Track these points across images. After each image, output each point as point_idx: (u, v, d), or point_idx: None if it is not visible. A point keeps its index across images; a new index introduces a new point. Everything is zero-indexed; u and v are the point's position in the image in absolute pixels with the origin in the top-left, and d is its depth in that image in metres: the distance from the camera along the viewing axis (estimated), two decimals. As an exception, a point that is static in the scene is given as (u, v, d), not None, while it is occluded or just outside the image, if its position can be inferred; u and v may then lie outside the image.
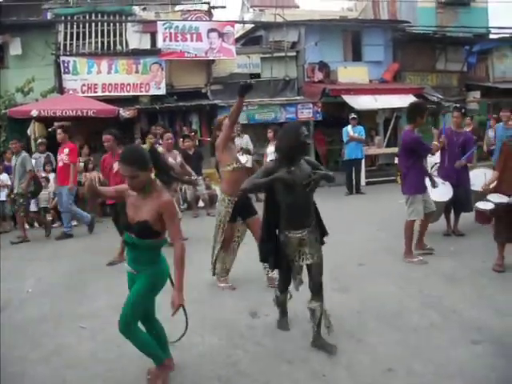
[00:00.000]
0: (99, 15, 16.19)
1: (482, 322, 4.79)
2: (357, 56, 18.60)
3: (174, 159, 8.54)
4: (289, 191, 4.16)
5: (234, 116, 5.58)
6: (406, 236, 6.95)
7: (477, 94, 20.08)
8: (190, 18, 16.40)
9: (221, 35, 16.12)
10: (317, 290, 4.34)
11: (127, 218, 3.65)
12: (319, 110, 16.29)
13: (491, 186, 6.58)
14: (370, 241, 8.12)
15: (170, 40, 15.70)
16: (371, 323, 4.87)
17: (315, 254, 4.32)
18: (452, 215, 8.27)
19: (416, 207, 6.81)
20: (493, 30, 21.23)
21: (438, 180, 7.59)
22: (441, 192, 7.55)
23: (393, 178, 14.45)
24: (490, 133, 12.79)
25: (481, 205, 6.91)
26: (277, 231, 4.44)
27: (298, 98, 17.13)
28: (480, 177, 7.87)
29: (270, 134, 12.07)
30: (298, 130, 4.24)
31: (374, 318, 4.97)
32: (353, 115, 13.66)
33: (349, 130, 13.54)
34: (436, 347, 4.31)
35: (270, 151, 11.58)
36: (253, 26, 20.76)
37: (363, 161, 14.46)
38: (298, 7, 27.62)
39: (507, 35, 20.93)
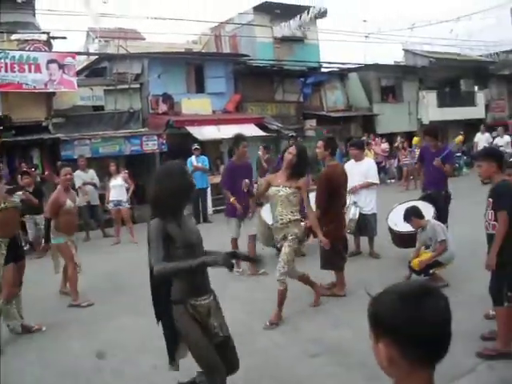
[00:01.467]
0: None
1: (319, 335, 5.16)
2: (200, 88, 19.08)
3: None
4: (184, 243, 3.27)
5: None
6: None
7: (313, 122, 21.55)
8: (27, 48, 15.83)
9: (61, 66, 15.57)
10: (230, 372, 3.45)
11: None
12: (164, 141, 16.40)
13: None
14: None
15: (6, 71, 14.95)
16: None
17: (223, 327, 3.49)
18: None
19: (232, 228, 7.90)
20: (324, 65, 23.21)
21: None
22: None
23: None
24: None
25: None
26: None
27: (142, 130, 17.08)
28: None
29: (112, 168, 12.07)
30: (182, 169, 3.50)
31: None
32: (195, 146, 14.05)
33: (193, 161, 13.85)
34: (281, 366, 4.56)
35: (113, 184, 11.64)
36: (97, 57, 20.59)
37: (209, 190, 14.85)
38: (144, 39, 27.81)
39: (336, 69, 23.04)
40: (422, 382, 1.41)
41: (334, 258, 6.55)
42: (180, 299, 3.28)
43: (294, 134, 11.26)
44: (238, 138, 7.95)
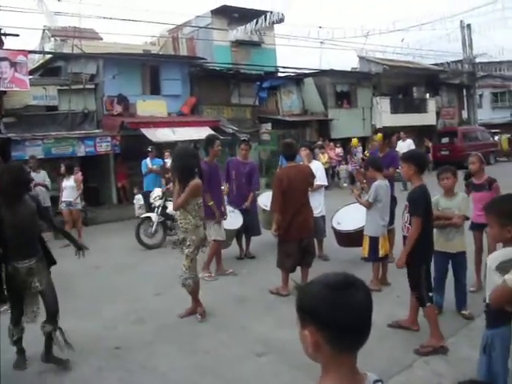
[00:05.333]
0: None
1: (266, 335, 5.26)
2: (156, 89, 18.98)
3: None
4: (12, 224, 4.42)
5: None
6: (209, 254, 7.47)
7: (268, 126, 21.79)
8: (-24, 46, 15.48)
9: (13, 65, 15.20)
10: (51, 316, 4.63)
11: None
12: (118, 142, 16.26)
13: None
14: (168, 269, 8.16)
15: (-47, 68, 14.64)
16: (165, 351, 5.02)
17: (43, 281, 4.60)
18: (244, 240, 8.89)
19: (212, 231, 7.44)
20: (280, 69, 23.44)
21: (229, 208, 8.17)
22: (231, 220, 8.15)
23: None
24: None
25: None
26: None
27: (96, 131, 16.89)
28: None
29: (62, 169, 11.96)
30: (20, 168, 4.70)
31: (167, 346, 5.13)
32: (150, 148, 14.05)
33: (148, 163, 13.85)
34: (225, 365, 4.63)
35: (65, 185, 11.54)
36: (51, 56, 20.26)
37: (163, 192, 14.83)
38: (101, 39, 27.51)
39: (292, 74, 23.37)
40: (346, 366, 1.48)
41: (283, 258, 6.67)
42: (7, 261, 4.53)
43: (246, 138, 11.30)
44: (212, 139, 7.79)
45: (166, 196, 10.44)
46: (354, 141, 12.76)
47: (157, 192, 10.89)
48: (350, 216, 7.83)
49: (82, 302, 6.73)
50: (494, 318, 3.02)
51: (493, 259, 2.97)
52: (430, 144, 25.24)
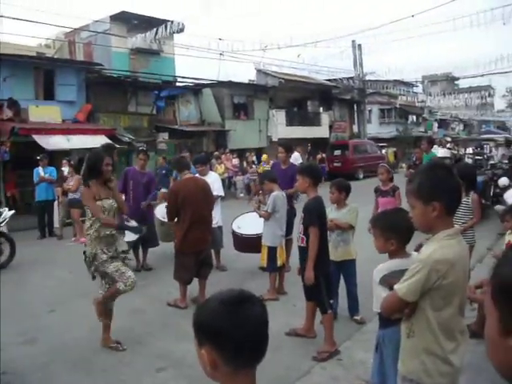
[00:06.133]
0: None
1: (166, 349, 5.22)
2: (50, 95, 18.31)
3: None
4: None
5: None
6: None
7: (166, 136, 21.74)
8: None
9: None
10: None
11: None
12: (7, 149, 15.46)
13: None
14: (62, 284, 8.08)
15: None
16: (60, 372, 4.84)
17: None
18: (140, 251, 8.78)
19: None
20: (179, 79, 23.51)
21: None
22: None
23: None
24: None
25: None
26: None
27: (-16, 136, 15.98)
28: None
29: None
30: None
31: (64, 367, 4.95)
32: (40, 156, 13.54)
33: (40, 171, 13.37)
34: (124, 382, 4.56)
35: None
36: None
37: (55, 202, 14.36)
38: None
39: (190, 84, 23.58)
40: (245, 383, 1.47)
41: (179, 271, 6.69)
42: None
43: (144, 148, 11.32)
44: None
45: None
46: (264, 156, 13.21)
47: None
48: (249, 222, 7.91)
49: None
50: (385, 319, 3.11)
51: (377, 271, 3.06)
52: (324, 155, 26.31)
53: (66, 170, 13.59)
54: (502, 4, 17.69)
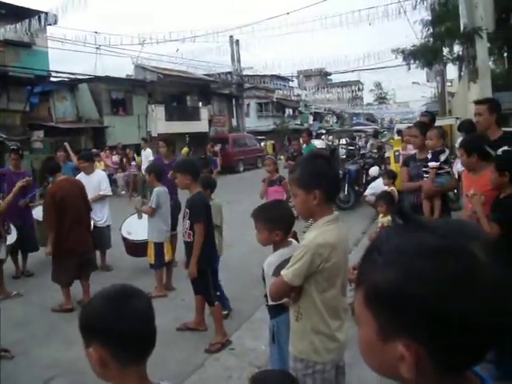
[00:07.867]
0: None
1: (54, 357, 5.07)
2: None
3: None
4: None
5: None
6: None
7: (41, 133, 20.88)
8: None
9: None
10: None
11: None
12: None
13: None
14: None
15: None
16: None
17: None
18: (20, 257, 8.38)
19: None
20: (53, 73, 22.62)
21: None
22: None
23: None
24: None
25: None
26: None
27: None
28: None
29: None
30: None
31: None
32: None
33: None
34: None
35: None
36: None
37: None
38: None
39: (66, 79, 22.85)
40: (134, 379, 1.45)
41: (58, 273, 6.55)
42: None
43: (15, 147, 10.84)
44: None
45: None
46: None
47: None
48: (137, 226, 7.90)
49: None
50: (275, 308, 3.22)
51: (268, 265, 3.08)
52: (218, 148, 25.92)
53: None
54: (368, 6, 19.27)
